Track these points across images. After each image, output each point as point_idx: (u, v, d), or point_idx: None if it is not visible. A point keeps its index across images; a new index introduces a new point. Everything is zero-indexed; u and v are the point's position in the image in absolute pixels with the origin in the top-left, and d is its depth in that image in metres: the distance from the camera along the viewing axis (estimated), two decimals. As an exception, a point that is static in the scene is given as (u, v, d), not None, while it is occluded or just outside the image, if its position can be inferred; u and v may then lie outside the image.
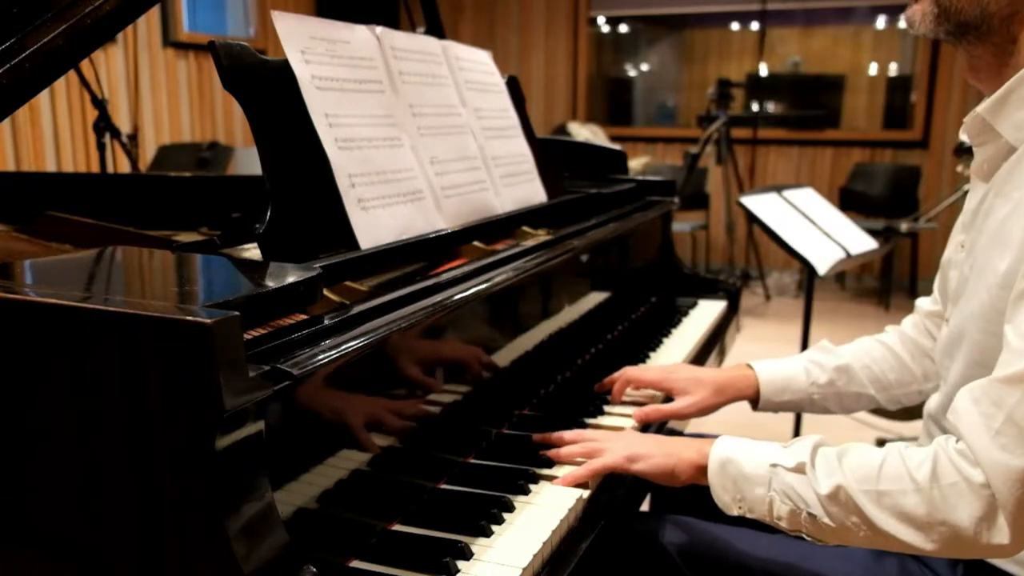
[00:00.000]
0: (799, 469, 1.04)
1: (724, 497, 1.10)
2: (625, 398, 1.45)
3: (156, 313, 0.74)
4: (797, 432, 2.92)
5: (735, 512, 1.10)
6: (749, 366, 1.46)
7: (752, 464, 1.08)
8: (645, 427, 1.37)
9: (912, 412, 1.51)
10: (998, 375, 0.95)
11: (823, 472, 1.02)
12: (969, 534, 0.93)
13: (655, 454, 1.15)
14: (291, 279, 0.93)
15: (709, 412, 1.43)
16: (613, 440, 1.20)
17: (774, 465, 1.06)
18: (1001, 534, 0.93)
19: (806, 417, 2.96)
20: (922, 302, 1.41)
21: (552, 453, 1.19)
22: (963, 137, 1.14)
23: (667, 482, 1.16)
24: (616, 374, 1.47)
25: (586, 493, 1.11)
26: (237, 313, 0.75)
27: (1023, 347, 0.93)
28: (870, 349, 1.43)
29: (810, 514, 1.02)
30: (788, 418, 2.92)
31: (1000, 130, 1.06)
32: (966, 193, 1.22)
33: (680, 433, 1.52)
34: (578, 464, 1.17)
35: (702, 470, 1.12)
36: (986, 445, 0.93)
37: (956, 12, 1.07)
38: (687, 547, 1.23)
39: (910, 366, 1.40)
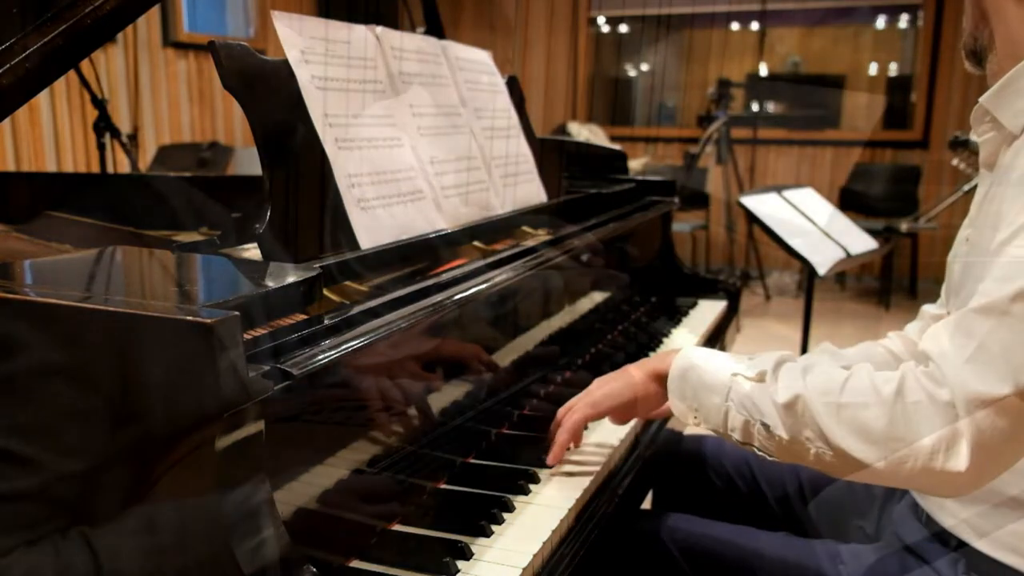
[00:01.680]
0: (759, 378, 1.03)
1: (680, 406, 1.10)
2: None
3: (156, 313, 0.74)
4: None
5: (690, 422, 1.10)
6: None
7: (713, 373, 1.08)
8: (647, 424, 1.37)
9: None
10: (971, 306, 0.95)
11: (784, 382, 1.01)
12: (926, 453, 0.92)
13: (615, 388, 1.17)
14: (291, 279, 0.93)
15: None
16: (579, 398, 1.21)
17: (735, 375, 1.05)
18: (958, 459, 0.91)
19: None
20: (928, 307, 1.41)
21: (549, 458, 1.19)
22: (973, 137, 1.16)
23: (636, 410, 1.17)
24: None
25: (583, 493, 1.11)
26: (237, 313, 0.75)
27: (995, 286, 0.93)
28: (873, 354, 1.42)
29: (764, 424, 1.01)
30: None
31: (1001, 119, 1.07)
32: (966, 193, 1.24)
33: (680, 433, 1.52)
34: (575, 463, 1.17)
35: (662, 379, 1.12)
36: (957, 369, 0.91)
37: (967, 48, 1.16)
38: (688, 545, 1.23)
39: None
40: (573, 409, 1.20)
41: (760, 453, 1.04)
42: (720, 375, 1.07)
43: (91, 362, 0.77)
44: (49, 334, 0.77)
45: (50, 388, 0.77)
